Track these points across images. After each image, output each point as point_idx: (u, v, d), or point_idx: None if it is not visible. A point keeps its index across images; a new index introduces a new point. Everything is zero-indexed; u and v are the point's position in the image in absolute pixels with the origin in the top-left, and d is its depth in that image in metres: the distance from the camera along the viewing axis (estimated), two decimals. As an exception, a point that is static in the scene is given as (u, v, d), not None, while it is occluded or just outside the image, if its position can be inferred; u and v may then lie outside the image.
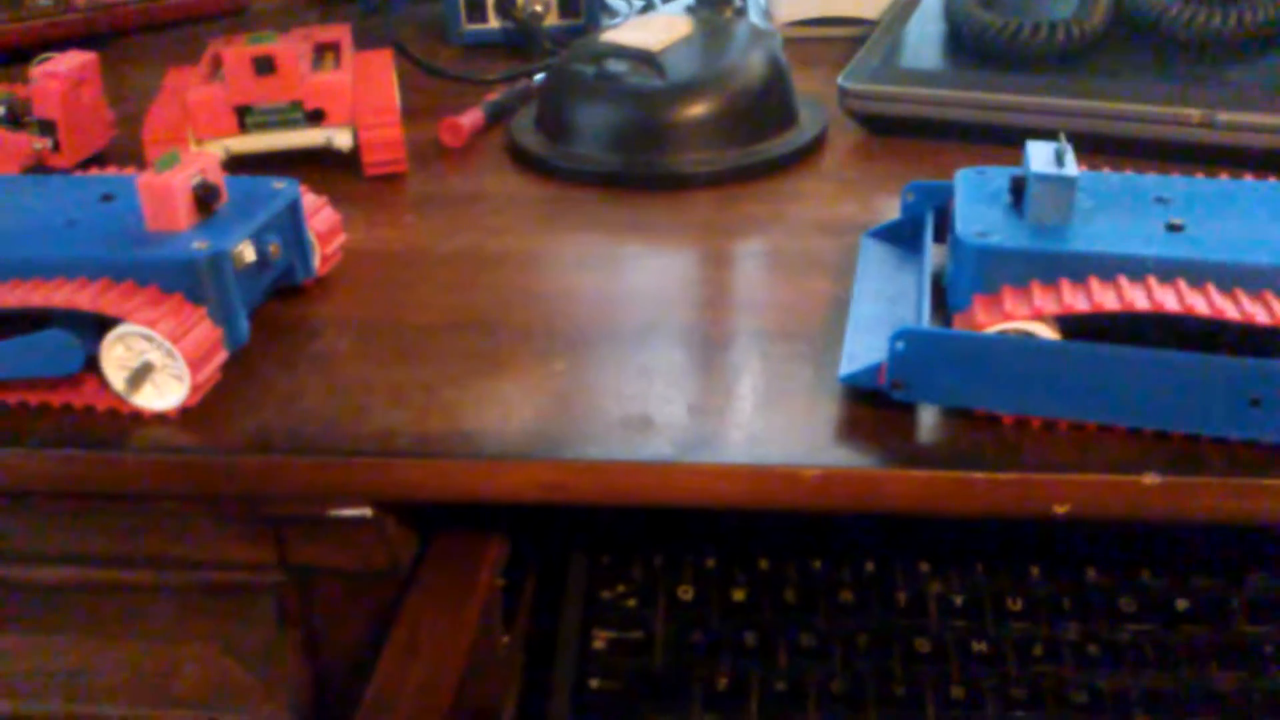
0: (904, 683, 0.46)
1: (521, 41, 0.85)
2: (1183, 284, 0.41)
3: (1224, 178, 0.48)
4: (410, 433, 0.44)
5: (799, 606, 0.50)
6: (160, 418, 0.45)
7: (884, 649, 0.48)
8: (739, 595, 0.50)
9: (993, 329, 0.42)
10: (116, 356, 0.44)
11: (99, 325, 0.44)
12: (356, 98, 0.64)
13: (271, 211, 0.48)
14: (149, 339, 0.44)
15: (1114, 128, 0.63)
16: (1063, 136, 0.46)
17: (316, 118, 0.64)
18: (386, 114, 0.64)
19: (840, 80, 0.68)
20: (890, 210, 0.56)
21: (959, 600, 0.49)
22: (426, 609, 0.45)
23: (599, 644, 0.49)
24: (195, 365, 0.44)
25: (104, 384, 0.45)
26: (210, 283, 0.45)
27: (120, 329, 0.44)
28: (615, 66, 0.65)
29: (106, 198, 0.50)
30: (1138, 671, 0.47)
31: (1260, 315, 0.40)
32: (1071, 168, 0.44)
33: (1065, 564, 0.51)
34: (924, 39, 0.73)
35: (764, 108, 0.65)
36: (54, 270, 0.45)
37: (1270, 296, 0.41)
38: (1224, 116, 0.61)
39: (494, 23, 0.87)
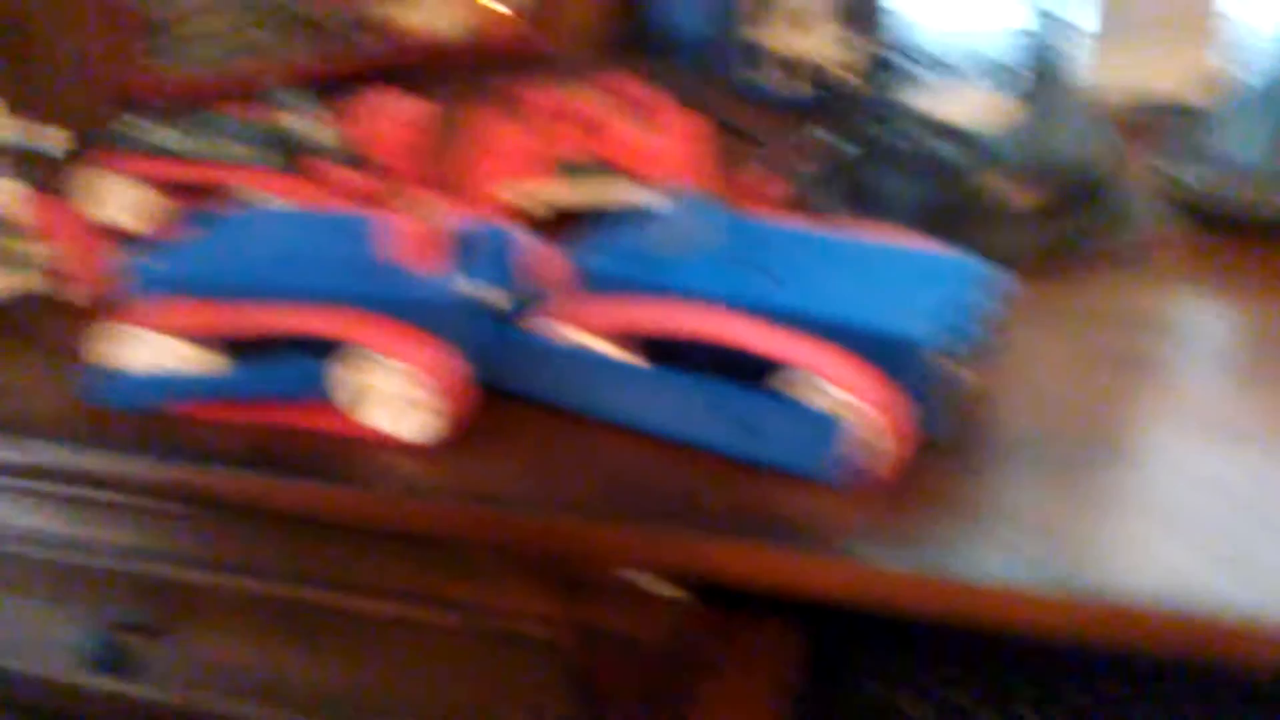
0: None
1: (819, 103, 0.85)
2: (706, 312, 0.45)
3: (864, 233, 0.51)
4: (720, 509, 0.43)
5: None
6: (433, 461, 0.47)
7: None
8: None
9: (541, 331, 0.49)
10: (364, 385, 0.47)
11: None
12: (667, 160, 0.65)
13: (504, 255, 0.50)
14: (400, 370, 0.46)
15: None
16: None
17: (626, 175, 0.65)
18: (694, 175, 0.64)
19: (1167, 169, 0.64)
20: (1205, 309, 0.53)
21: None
22: (724, 701, 0.44)
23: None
24: (446, 394, 0.46)
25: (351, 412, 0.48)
26: (456, 319, 0.47)
27: (374, 359, 0.46)
28: (930, 139, 0.63)
29: (354, 234, 0.52)
30: None
31: (751, 341, 0.44)
32: (675, 212, 0.48)
33: None
34: (1254, 130, 0.68)
35: (1089, 192, 0.62)
36: (309, 299, 0.48)
37: (787, 335, 0.44)
38: None
39: (791, 82, 0.86)
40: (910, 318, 0.44)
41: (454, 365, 0.47)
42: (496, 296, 0.48)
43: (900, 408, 0.44)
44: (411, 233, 0.48)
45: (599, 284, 0.49)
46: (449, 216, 0.49)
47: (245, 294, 0.50)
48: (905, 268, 0.49)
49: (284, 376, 0.49)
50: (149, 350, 0.50)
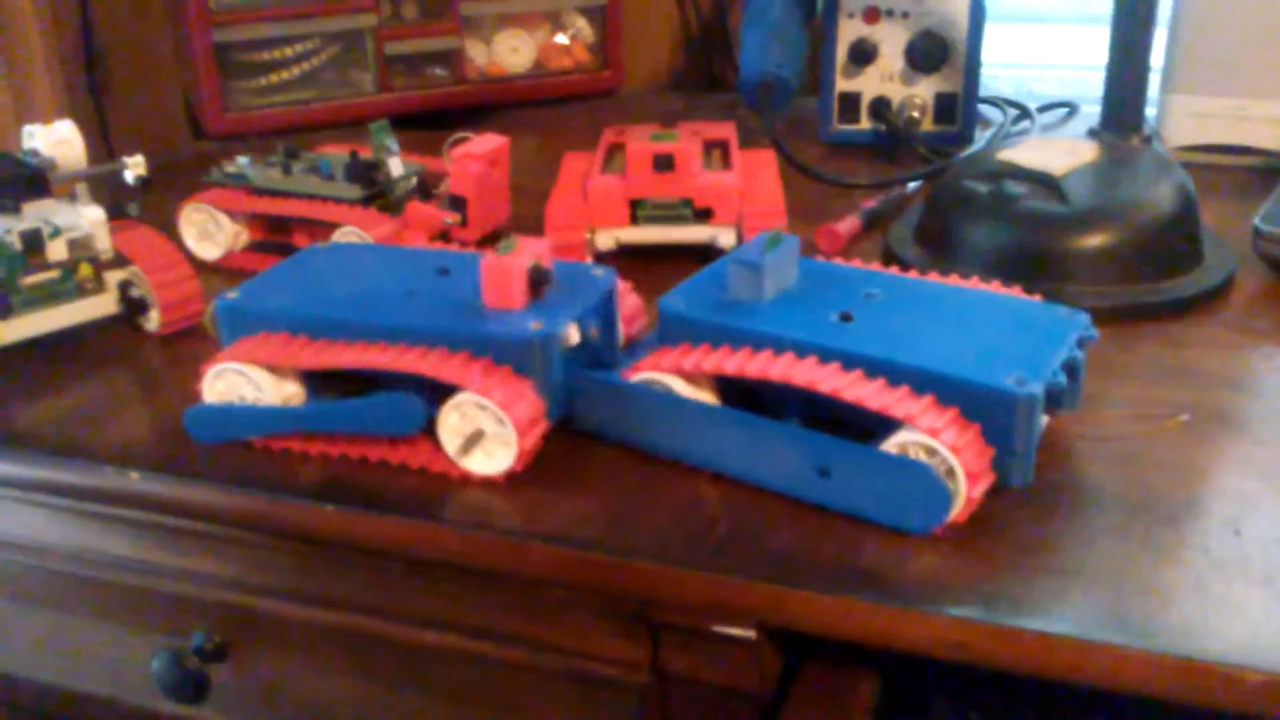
0: None
1: (890, 144, 0.85)
2: (805, 363, 0.45)
3: (949, 281, 0.52)
4: (796, 555, 0.43)
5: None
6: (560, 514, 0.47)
7: None
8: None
9: (635, 376, 0.48)
10: (450, 422, 0.48)
11: (430, 390, 0.47)
12: (746, 201, 0.65)
13: (593, 298, 0.50)
14: (483, 407, 0.46)
15: None
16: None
17: (704, 215, 0.65)
18: (773, 218, 0.64)
19: (1257, 222, 0.63)
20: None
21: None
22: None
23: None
24: (523, 432, 0.46)
25: (437, 447, 0.48)
26: (540, 359, 0.47)
27: (459, 396, 0.47)
28: (1012, 187, 0.63)
29: (442, 271, 0.53)
30: None
31: (849, 393, 0.43)
32: (762, 257, 0.48)
33: None
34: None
35: (1170, 243, 0.62)
36: (398, 336, 0.48)
37: (884, 387, 0.44)
38: None
39: (865, 124, 0.86)
40: (994, 365, 0.44)
41: (530, 401, 0.47)
42: (573, 334, 0.49)
43: (983, 457, 0.43)
44: (491, 269, 0.49)
45: (678, 325, 0.49)
46: (529, 253, 0.49)
47: (327, 329, 0.50)
48: (989, 314, 0.48)
49: (364, 410, 0.49)
50: (231, 382, 0.51)
